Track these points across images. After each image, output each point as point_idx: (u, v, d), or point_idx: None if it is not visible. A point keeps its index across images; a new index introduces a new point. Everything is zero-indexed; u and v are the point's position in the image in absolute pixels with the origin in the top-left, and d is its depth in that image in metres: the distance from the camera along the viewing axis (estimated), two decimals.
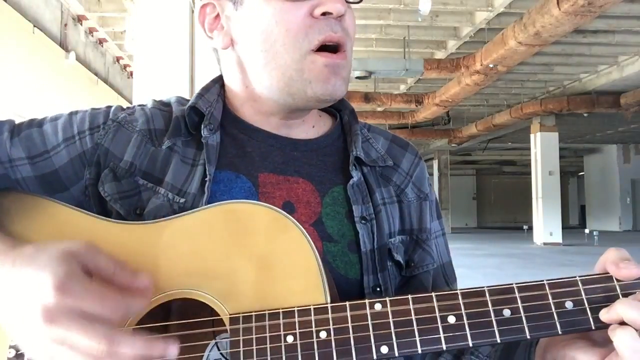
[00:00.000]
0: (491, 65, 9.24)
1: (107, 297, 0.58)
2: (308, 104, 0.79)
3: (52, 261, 0.57)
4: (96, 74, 9.93)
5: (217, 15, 0.81)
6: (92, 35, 9.77)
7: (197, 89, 0.87)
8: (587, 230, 16.38)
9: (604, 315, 0.57)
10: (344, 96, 0.81)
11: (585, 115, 13.77)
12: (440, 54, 10.62)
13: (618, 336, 0.55)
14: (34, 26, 7.14)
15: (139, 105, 0.86)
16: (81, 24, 9.19)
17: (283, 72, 0.76)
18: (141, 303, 0.61)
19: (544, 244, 14.68)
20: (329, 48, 0.76)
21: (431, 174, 21.15)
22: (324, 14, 0.75)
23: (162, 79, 4.23)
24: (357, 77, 9.90)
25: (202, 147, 0.79)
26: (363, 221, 0.79)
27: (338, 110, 0.92)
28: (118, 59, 11.40)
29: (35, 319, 0.55)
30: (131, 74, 11.09)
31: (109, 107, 0.84)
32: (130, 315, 0.61)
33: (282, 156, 0.82)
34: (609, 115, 13.94)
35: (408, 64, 9.71)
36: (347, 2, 0.78)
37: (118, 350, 0.55)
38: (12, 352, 0.65)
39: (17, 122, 0.80)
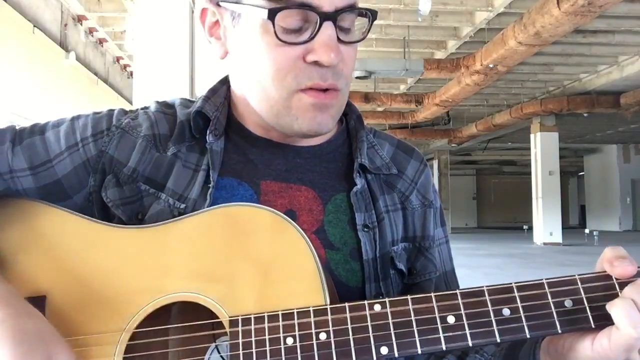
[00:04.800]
0: (491, 65, 9.23)
1: None
2: (295, 135, 0.78)
3: (23, 336, 0.59)
4: (96, 74, 9.93)
5: (217, 22, 0.80)
6: (92, 35, 9.76)
7: (197, 89, 0.87)
8: (587, 230, 16.36)
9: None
10: (331, 129, 0.80)
11: (585, 115, 13.75)
12: (440, 54, 10.61)
13: (616, 306, 0.56)
14: (34, 26, 7.14)
15: (142, 109, 0.84)
16: (81, 24, 9.18)
17: (271, 105, 0.75)
18: None
19: (544, 243, 14.66)
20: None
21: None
22: (315, 62, 0.71)
23: (162, 79, 4.22)
24: (357, 77, 9.87)
25: (205, 152, 0.78)
26: (365, 229, 0.78)
27: (344, 114, 0.90)
28: (118, 59, 11.39)
29: None
30: (131, 74, 11.08)
31: (112, 110, 0.83)
32: None
33: (285, 163, 0.81)
34: (609, 115, 13.92)
35: (408, 64, 9.68)
36: (343, 41, 0.73)
37: None
38: None
39: (18, 127, 0.79)
